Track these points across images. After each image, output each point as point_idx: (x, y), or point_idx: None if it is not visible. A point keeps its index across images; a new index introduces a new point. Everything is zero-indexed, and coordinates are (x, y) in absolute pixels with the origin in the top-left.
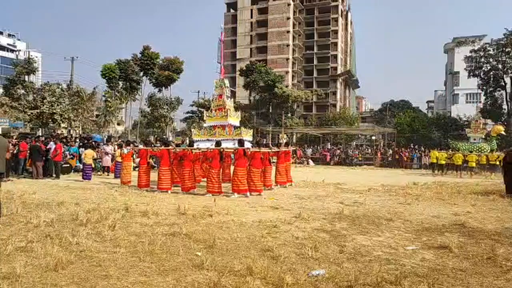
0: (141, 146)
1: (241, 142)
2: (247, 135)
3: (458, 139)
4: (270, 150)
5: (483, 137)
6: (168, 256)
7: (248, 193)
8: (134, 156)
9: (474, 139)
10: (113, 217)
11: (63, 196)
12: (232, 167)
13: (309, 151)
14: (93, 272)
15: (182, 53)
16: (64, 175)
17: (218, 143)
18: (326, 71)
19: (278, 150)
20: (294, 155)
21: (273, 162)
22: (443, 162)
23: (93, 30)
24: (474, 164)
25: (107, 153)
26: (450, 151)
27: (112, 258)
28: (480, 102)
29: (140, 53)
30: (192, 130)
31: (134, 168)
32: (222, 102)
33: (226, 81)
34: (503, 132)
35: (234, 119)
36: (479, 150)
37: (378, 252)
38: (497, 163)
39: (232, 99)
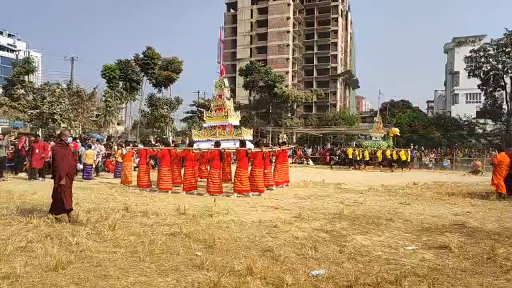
0: (141, 146)
1: (243, 143)
2: (247, 134)
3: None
4: (271, 150)
5: (382, 136)
6: (168, 256)
7: (250, 193)
8: (134, 156)
9: (376, 138)
10: (113, 217)
11: None
12: (233, 167)
13: (309, 151)
14: (93, 272)
15: (182, 53)
16: None
17: (217, 144)
18: (326, 71)
19: (279, 148)
20: (294, 155)
21: (273, 162)
22: (359, 158)
23: (93, 30)
24: (380, 159)
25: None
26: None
27: (112, 258)
28: (480, 102)
29: (142, 53)
30: (192, 130)
31: (134, 168)
32: (222, 102)
33: (226, 81)
34: (398, 134)
35: (234, 119)
36: (379, 147)
37: (378, 252)
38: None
39: (232, 99)
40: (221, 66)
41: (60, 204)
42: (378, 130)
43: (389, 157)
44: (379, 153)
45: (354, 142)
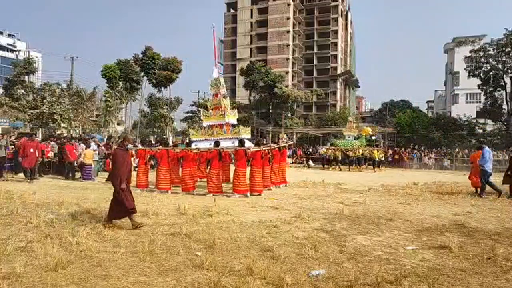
0: (140, 146)
1: (241, 142)
2: (246, 133)
3: (339, 138)
4: (269, 148)
5: (355, 135)
6: (168, 256)
7: (248, 194)
8: (134, 156)
9: (349, 137)
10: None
11: (63, 196)
12: (231, 167)
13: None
14: (93, 272)
15: (182, 52)
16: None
17: (216, 143)
18: (326, 71)
19: (278, 146)
20: (294, 155)
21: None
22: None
23: (93, 30)
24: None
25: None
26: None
27: (112, 258)
28: (480, 102)
29: (141, 53)
30: (190, 130)
31: (134, 168)
32: (218, 101)
33: (222, 80)
34: (370, 133)
35: (232, 117)
36: (351, 146)
37: (378, 252)
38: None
39: (228, 98)
40: (217, 64)
41: (122, 207)
42: (350, 129)
43: (361, 156)
44: (352, 153)
45: (329, 142)
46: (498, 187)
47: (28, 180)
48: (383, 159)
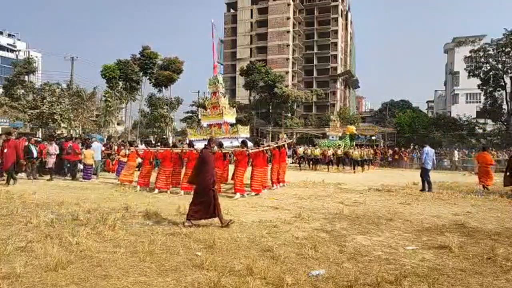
0: (141, 147)
1: (244, 143)
2: (244, 132)
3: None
4: (268, 147)
5: (339, 135)
6: (168, 256)
7: (245, 194)
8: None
9: (332, 137)
10: (113, 217)
11: (63, 196)
12: (230, 166)
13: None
14: (93, 272)
15: (182, 52)
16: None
17: (220, 144)
18: (326, 71)
19: (278, 145)
20: (294, 155)
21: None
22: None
23: (93, 30)
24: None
25: (50, 154)
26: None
27: (112, 258)
28: (480, 102)
29: (139, 53)
30: (188, 130)
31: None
32: (216, 100)
33: (220, 78)
34: (354, 132)
35: (230, 116)
36: (335, 145)
37: (378, 252)
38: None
39: (227, 96)
40: (215, 63)
41: (212, 209)
42: (334, 129)
43: (341, 156)
44: (331, 153)
45: (315, 142)
46: (431, 185)
47: (9, 183)
48: (359, 159)
